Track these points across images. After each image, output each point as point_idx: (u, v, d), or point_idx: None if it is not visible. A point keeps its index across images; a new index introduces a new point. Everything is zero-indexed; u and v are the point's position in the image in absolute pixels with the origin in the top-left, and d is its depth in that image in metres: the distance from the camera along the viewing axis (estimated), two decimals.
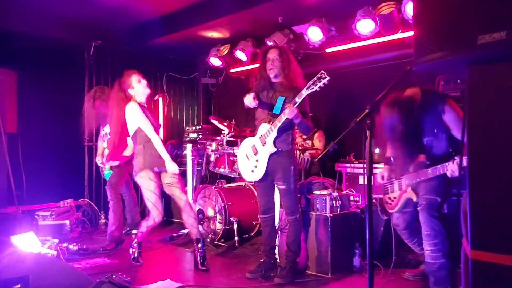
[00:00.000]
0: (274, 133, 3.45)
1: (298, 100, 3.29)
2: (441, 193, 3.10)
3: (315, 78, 3.21)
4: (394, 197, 3.36)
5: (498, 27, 1.39)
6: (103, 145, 4.87)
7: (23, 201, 5.16)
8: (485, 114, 1.49)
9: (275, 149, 3.48)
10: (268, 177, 3.60)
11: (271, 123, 3.48)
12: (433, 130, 3.15)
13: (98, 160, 4.85)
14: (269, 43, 5.41)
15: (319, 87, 3.20)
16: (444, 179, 3.10)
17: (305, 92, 3.25)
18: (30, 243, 3.78)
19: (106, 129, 4.79)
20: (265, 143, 3.52)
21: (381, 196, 3.63)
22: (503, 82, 1.45)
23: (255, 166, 3.61)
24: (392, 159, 3.40)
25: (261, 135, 3.55)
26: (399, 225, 3.39)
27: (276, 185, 3.62)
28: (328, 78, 3.16)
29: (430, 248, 3.08)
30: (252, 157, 3.64)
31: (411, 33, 4.10)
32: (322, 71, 3.20)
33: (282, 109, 3.44)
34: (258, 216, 3.81)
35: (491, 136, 1.48)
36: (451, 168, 2.94)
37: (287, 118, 3.32)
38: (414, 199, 3.21)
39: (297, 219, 3.56)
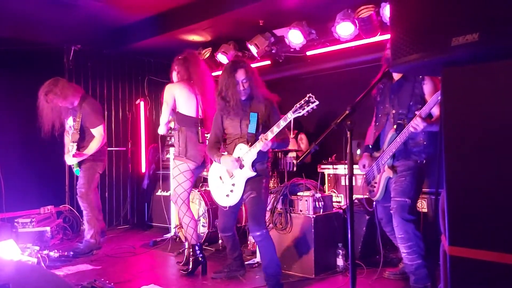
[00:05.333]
0: (254, 155, 3.24)
1: (276, 129, 3.10)
2: (411, 195, 3.11)
3: (302, 102, 3.02)
4: (376, 182, 3.37)
5: (471, 29, 1.43)
6: (69, 140, 4.64)
7: (2, 209, 5.06)
8: (460, 113, 1.53)
9: (254, 174, 3.27)
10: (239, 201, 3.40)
11: (249, 144, 3.27)
12: (409, 102, 3.17)
13: (67, 158, 4.62)
14: (251, 46, 5.44)
15: (307, 111, 3.02)
16: (413, 178, 3.14)
17: (290, 116, 3.04)
18: (10, 251, 3.71)
19: (70, 121, 4.60)
20: (243, 166, 3.29)
21: (363, 196, 3.68)
22: (477, 82, 1.49)
23: (231, 191, 3.36)
24: (370, 146, 3.44)
25: (238, 157, 3.30)
26: (382, 218, 3.44)
27: (245, 198, 3.34)
28: (317, 102, 2.99)
29: (405, 251, 3.12)
30: (228, 180, 3.37)
31: (389, 36, 4.18)
32: (310, 95, 3.02)
33: (257, 127, 3.29)
34: (219, 233, 3.58)
35: (466, 134, 1.52)
36: (412, 125, 2.92)
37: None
38: (391, 176, 3.21)
39: (264, 235, 3.22)
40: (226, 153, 3.47)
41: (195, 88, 3.90)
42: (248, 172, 3.28)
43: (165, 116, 3.84)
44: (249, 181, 3.31)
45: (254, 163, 3.28)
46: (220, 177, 3.44)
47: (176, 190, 3.85)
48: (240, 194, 3.33)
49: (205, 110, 3.89)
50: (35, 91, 4.58)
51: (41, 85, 4.54)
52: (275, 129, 3.10)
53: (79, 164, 4.62)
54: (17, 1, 4.60)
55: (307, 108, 3.01)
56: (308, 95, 3.02)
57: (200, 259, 3.82)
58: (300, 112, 3.03)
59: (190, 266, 3.80)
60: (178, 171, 3.83)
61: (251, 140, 3.28)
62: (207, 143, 3.73)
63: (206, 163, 3.98)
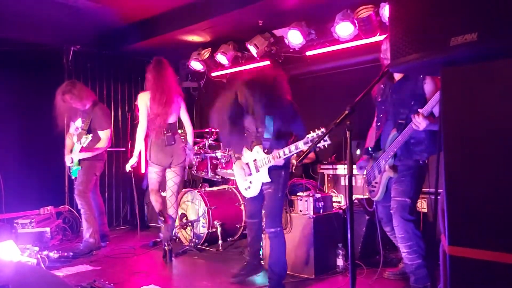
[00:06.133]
0: (271, 164, 3.28)
1: (288, 152, 3.14)
2: (411, 195, 3.11)
3: (314, 135, 3.00)
4: (376, 182, 3.36)
5: (469, 29, 1.43)
6: (73, 140, 4.73)
7: (1, 209, 5.05)
8: (459, 113, 1.53)
9: (269, 180, 3.32)
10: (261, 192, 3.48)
11: (265, 151, 3.31)
12: (410, 102, 3.16)
13: (68, 159, 4.70)
14: (250, 47, 5.44)
15: (318, 147, 2.94)
16: (413, 177, 3.14)
17: (301, 146, 3.05)
18: (9, 252, 3.71)
19: (78, 123, 4.71)
20: (258, 171, 3.37)
21: (363, 196, 3.67)
22: (476, 82, 1.49)
23: (249, 187, 3.50)
24: (370, 148, 3.44)
25: (255, 159, 3.38)
26: (383, 218, 3.43)
27: (264, 190, 3.41)
28: (329, 142, 2.89)
29: (405, 250, 3.12)
30: (247, 177, 3.49)
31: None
32: (323, 130, 2.95)
33: (274, 131, 3.29)
34: (245, 219, 3.70)
35: (465, 134, 1.52)
36: (415, 122, 2.89)
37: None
38: (392, 176, 3.20)
39: (278, 232, 3.30)
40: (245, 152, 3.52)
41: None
42: (264, 178, 3.34)
43: (142, 123, 4.27)
44: (269, 174, 3.34)
45: (272, 167, 3.30)
46: (243, 168, 3.53)
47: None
48: (257, 191, 3.43)
49: (152, 117, 4.22)
50: (35, 91, 4.61)
51: (41, 86, 4.61)
52: (287, 151, 3.16)
53: (79, 163, 4.64)
54: (16, 2, 4.60)
55: (318, 145, 2.89)
56: (321, 130, 2.96)
57: (166, 248, 4.26)
58: (309, 144, 2.99)
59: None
60: (149, 173, 4.42)
61: (267, 146, 3.32)
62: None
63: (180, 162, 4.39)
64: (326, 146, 2.94)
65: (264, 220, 3.53)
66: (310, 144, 2.99)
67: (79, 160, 4.64)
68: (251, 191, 3.49)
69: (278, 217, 3.35)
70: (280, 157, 3.19)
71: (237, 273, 3.64)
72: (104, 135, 4.70)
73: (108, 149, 5.15)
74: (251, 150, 3.43)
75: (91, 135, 4.60)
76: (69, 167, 4.76)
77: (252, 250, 3.66)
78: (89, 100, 4.74)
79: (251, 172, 3.44)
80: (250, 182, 3.47)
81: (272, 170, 3.34)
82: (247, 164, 3.48)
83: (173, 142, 4.26)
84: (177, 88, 4.44)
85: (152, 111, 4.17)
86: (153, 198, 4.43)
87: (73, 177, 4.79)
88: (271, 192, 3.34)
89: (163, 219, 4.33)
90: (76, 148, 4.64)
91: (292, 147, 3.13)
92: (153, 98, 4.17)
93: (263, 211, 3.67)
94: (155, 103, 4.17)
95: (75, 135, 4.72)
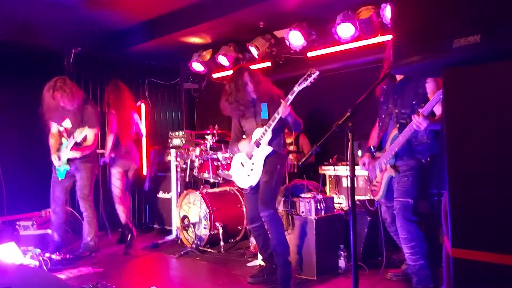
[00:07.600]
0: (269, 134, 3.47)
1: (290, 97, 3.39)
2: (414, 195, 3.10)
3: (305, 75, 3.32)
4: (377, 182, 3.35)
5: (472, 31, 1.43)
6: (61, 140, 4.60)
7: (3, 211, 5.06)
8: (462, 114, 1.53)
9: (271, 149, 3.47)
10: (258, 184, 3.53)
11: (264, 126, 3.50)
12: (412, 102, 3.16)
13: (55, 159, 4.55)
14: (251, 48, 5.44)
15: (310, 82, 3.31)
16: (416, 178, 3.12)
17: (297, 89, 3.34)
18: (11, 254, 3.71)
19: (66, 124, 4.58)
20: (260, 145, 3.52)
21: (365, 197, 3.67)
22: (478, 83, 1.50)
23: (251, 170, 3.56)
24: (372, 147, 3.44)
25: (256, 139, 3.55)
26: (387, 219, 3.42)
27: (260, 181, 3.51)
28: (317, 72, 3.27)
29: (408, 251, 3.12)
30: (248, 162, 3.61)
31: (390, 37, 4.17)
32: (312, 68, 3.32)
33: (269, 113, 3.49)
34: (246, 227, 3.75)
35: (468, 135, 1.52)
36: (415, 123, 2.90)
37: (280, 117, 3.39)
38: (393, 175, 3.20)
39: (271, 214, 3.42)
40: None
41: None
42: (265, 148, 3.49)
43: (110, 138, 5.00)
44: (266, 163, 3.49)
45: (271, 141, 3.49)
46: (241, 163, 3.67)
47: (115, 185, 5.02)
48: (260, 171, 3.51)
49: (119, 128, 4.98)
50: (35, 93, 4.57)
51: (41, 88, 4.51)
52: (290, 97, 3.40)
53: (71, 164, 4.53)
54: (16, 4, 4.61)
55: (309, 79, 3.30)
56: (310, 69, 3.31)
57: (127, 234, 4.92)
58: (304, 83, 3.32)
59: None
60: (112, 174, 5.08)
61: (265, 123, 3.50)
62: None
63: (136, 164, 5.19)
64: (316, 77, 3.30)
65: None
66: (303, 83, 3.34)
67: (80, 163, 4.54)
68: (253, 175, 3.53)
69: (270, 201, 3.47)
70: (280, 111, 3.37)
71: (255, 275, 3.64)
72: (92, 133, 4.53)
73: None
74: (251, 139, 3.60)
75: (86, 127, 4.40)
76: (57, 169, 4.58)
77: (266, 254, 3.66)
78: (79, 98, 4.56)
79: (252, 154, 3.55)
80: (253, 163, 3.55)
81: (269, 162, 3.49)
82: (247, 152, 3.61)
83: (129, 150, 5.05)
84: (135, 106, 5.39)
85: (119, 127, 4.95)
86: (120, 208, 5.00)
87: (59, 179, 4.60)
88: (265, 181, 3.47)
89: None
90: (65, 146, 4.46)
91: (289, 96, 3.40)
92: (119, 116, 4.96)
93: None
94: (122, 119, 4.98)
95: (64, 135, 4.58)
